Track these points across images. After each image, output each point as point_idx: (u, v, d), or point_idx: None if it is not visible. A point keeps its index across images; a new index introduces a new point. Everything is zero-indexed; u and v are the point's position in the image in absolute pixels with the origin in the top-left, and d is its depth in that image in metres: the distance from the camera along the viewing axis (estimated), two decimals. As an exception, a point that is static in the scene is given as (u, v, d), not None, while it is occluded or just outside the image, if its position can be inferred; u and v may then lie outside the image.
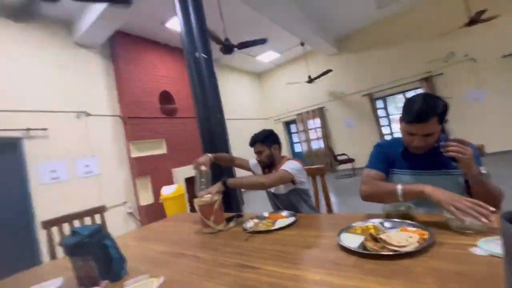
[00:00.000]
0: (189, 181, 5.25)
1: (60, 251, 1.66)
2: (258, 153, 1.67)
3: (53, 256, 1.65)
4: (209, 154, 1.65)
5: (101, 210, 1.97)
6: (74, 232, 1.00)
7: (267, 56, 7.36)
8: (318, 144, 7.77)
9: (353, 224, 0.98)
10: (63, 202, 3.64)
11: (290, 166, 1.50)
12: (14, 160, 3.40)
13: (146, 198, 4.62)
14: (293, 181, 1.50)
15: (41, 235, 3.38)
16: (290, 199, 1.58)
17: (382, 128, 7.04)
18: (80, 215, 1.82)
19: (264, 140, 1.65)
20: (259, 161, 1.69)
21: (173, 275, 0.91)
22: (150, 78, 5.01)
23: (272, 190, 1.65)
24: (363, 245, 0.80)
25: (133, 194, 4.58)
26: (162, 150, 5.04)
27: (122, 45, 4.66)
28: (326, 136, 7.54)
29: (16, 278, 1.22)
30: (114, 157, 4.44)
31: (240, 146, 7.03)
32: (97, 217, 1.90)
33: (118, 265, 0.98)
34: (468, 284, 0.55)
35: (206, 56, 2.59)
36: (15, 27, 3.56)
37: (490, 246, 0.65)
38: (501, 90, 5.25)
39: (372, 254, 0.74)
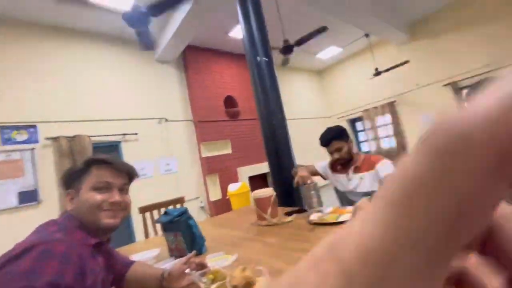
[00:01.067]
0: (252, 179, 5.50)
1: (151, 232, 2.00)
2: (337, 150, 1.57)
3: (146, 235, 2.00)
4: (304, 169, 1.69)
5: (181, 200, 2.29)
6: (166, 213, 1.22)
7: (328, 52, 7.12)
8: (389, 143, 7.09)
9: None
10: (150, 194, 4.31)
11: (391, 168, 1.47)
12: (116, 159, 4.21)
13: (215, 194, 5.06)
14: None
15: (136, 219, 4.09)
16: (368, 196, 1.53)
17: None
18: (166, 204, 2.16)
19: (341, 135, 1.58)
20: (338, 159, 1.60)
21: (244, 254, 1.02)
22: (217, 84, 5.48)
23: (357, 189, 1.55)
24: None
25: (204, 190, 5.07)
26: (227, 150, 5.43)
27: (193, 57, 5.25)
28: (398, 134, 6.82)
29: (117, 250, 1.55)
30: (188, 157, 5.01)
31: (301, 146, 7.02)
32: (178, 206, 2.22)
33: (200, 241, 1.15)
34: None
35: (267, 59, 2.72)
36: (110, 52, 4.43)
37: None
38: None
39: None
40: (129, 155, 4.29)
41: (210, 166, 5.01)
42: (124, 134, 4.27)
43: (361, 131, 7.98)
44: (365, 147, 7.94)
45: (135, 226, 4.12)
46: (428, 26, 6.16)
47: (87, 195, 0.71)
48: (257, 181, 5.66)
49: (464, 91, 6.00)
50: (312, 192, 1.42)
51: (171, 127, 4.90)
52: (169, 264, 0.98)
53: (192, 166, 5.02)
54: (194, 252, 0.90)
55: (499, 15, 5.19)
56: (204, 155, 5.05)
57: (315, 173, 1.81)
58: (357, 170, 1.56)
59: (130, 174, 0.81)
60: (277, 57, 3.66)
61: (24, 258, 0.51)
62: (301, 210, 1.57)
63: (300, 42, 3.74)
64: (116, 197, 0.73)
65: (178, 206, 2.22)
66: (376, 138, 7.37)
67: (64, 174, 0.77)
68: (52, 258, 0.53)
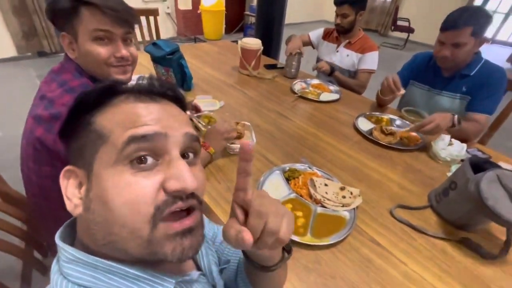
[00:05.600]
0: (230, -3, 4.80)
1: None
2: (342, 15, 1.51)
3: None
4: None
5: (155, 13, 2.08)
6: (155, 45, 1.23)
7: None
8: (385, -4, 6.31)
9: (373, 113, 1.22)
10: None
11: (375, 65, 1.56)
12: None
13: (185, 3, 4.43)
14: None
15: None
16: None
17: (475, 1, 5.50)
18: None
19: (356, 2, 1.47)
20: (338, 25, 1.56)
21: (230, 102, 1.24)
22: None
23: (338, 63, 1.65)
24: (371, 131, 1.08)
25: (172, -6, 4.34)
26: None
27: None
28: (400, -13, 6.00)
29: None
30: None
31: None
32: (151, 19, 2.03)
33: (189, 79, 1.29)
34: (422, 178, 0.88)
35: None
36: None
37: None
38: None
39: (370, 139, 1.04)
40: None
41: (182, -37, 4.00)
42: None
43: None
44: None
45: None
46: None
47: (89, 47, 0.65)
48: (233, 2, 4.98)
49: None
50: (294, 63, 1.53)
51: None
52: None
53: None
54: (193, 100, 1.07)
55: None
56: None
57: (307, 43, 1.79)
58: (348, 45, 1.61)
59: (131, 20, 0.69)
60: None
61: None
62: (277, 67, 1.71)
63: None
64: (122, 51, 0.68)
65: (151, 19, 2.04)
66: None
67: (48, 8, 0.65)
68: None
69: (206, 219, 0.50)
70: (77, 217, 0.29)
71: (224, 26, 4.70)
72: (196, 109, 1.08)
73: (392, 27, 5.55)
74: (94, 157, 0.27)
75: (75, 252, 0.27)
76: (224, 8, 4.34)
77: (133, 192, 0.25)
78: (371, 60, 1.55)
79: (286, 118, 1.16)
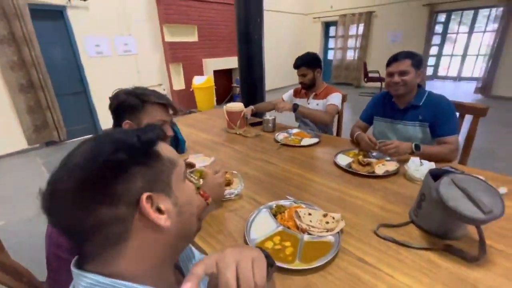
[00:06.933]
0: (218, 74, 5.49)
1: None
2: (302, 75, 1.80)
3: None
4: (251, 106, 1.93)
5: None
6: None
7: None
8: (352, 55, 7.28)
9: (349, 149, 1.34)
10: (108, 75, 4.13)
11: (338, 100, 1.76)
12: (61, 30, 3.65)
13: (179, 84, 5.05)
14: (337, 113, 1.81)
15: (96, 102, 4.07)
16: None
17: (432, 48, 6.33)
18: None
19: (310, 63, 1.77)
20: (301, 83, 1.85)
21: (220, 157, 1.37)
22: None
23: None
24: (350, 165, 1.18)
25: (167, 78, 4.98)
26: (193, 37, 5.04)
27: None
28: (364, 48, 6.96)
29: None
30: (149, 39, 4.56)
31: (274, 41, 6.74)
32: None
33: (182, 144, 1.44)
34: (401, 198, 0.94)
35: None
36: None
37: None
38: None
39: (352, 172, 1.12)
40: (79, 27, 3.74)
41: (174, 53, 4.74)
42: (69, -1, 3.55)
43: (333, 37, 7.83)
44: (330, 55, 8.03)
45: (98, 113, 4.18)
46: None
47: None
48: (221, 76, 5.68)
49: (439, 16, 6.04)
50: (270, 124, 1.74)
51: (129, 0, 4.16)
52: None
53: (154, 50, 4.68)
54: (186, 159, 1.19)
55: None
56: (167, 39, 4.65)
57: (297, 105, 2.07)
58: (316, 97, 1.86)
59: (175, 110, 0.95)
60: None
61: None
62: (260, 123, 1.91)
63: None
64: (170, 132, 0.91)
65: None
66: (344, 48, 7.44)
67: (116, 104, 0.86)
68: None
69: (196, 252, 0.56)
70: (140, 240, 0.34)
71: (215, 98, 5.24)
72: (190, 166, 1.19)
73: (365, 79, 6.20)
74: (170, 178, 0.38)
75: (98, 277, 0.32)
76: (213, 84, 4.93)
77: (195, 194, 0.44)
78: (335, 98, 1.75)
79: (271, 164, 1.27)
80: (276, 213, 0.86)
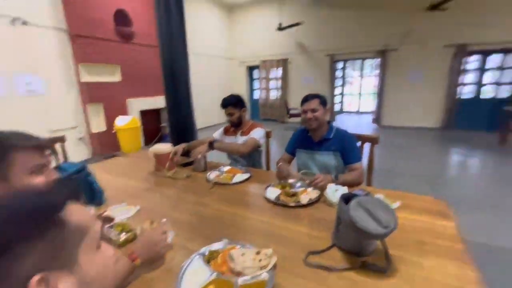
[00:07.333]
0: (145, 114, 5.24)
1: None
2: (229, 114, 1.92)
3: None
4: (183, 144, 1.86)
5: (61, 140, 2.09)
6: (59, 168, 1.22)
7: (240, -11, 6.77)
8: (275, 95, 8.12)
9: (277, 182, 1.43)
10: (2, 120, 3.44)
11: (259, 134, 1.86)
12: None
13: (98, 126, 4.57)
14: (258, 146, 1.89)
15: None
16: (250, 156, 1.94)
17: (336, 89, 7.64)
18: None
19: (236, 103, 1.91)
20: (229, 121, 1.96)
21: (146, 205, 1.25)
22: (103, -11, 4.35)
23: None
24: (278, 197, 1.25)
25: (83, 120, 4.46)
26: (116, 77, 4.78)
27: None
28: (284, 88, 7.88)
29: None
30: (61, 78, 4.10)
31: (202, 83, 6.98)
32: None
33: (99, 195, 1.27)
34: (324, 224, 1.03)
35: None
36: None
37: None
38: (433, 74, 6.08)
39: (281, 204, 1.19)
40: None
41: (92, 93, 4.35)
42: None
43: (257, 79, 8.63)
44: (256, 95, 8.76)
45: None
46: (327, -2, 6.79)
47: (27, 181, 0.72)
48: (149, 116, 5.44)
49: (338, 63, 7.41)
50: (201, 162, 1.72)
51: (32, 34, 3.74)
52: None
53: (68, 90, 4.20)
54: (91, 208, 1.05)
55: (373, 6, 6.37)
56: (84, 79, 4.27)
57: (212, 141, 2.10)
58: (243, 133, 1.96)
59: (51, 150, 0.83)
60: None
61: None
62: (190, 163, 1.86)
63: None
64: (53, 175, 0.78)
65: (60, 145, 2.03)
66: (267, 89, 8.23)
67: None
68: None
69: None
70: None
71: (142, 139, 4.91)
72: (108, 220, 1.05)
73: (288, 116, 6.92)
74: (77, 250, 0.31)
75: None
76: (139, 125, 4.65)
77: (112, 262, 0.38)
78: (255, 132, 1.87)
79: (204, 205, 1.23)
80: (209, 259, 0.82)
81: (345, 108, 9.30)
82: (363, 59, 7.60)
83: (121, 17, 4.68)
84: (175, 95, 2.76)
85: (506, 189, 2.91)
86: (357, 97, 9.07)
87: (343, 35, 6.83)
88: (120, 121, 4.40)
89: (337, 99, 8.11)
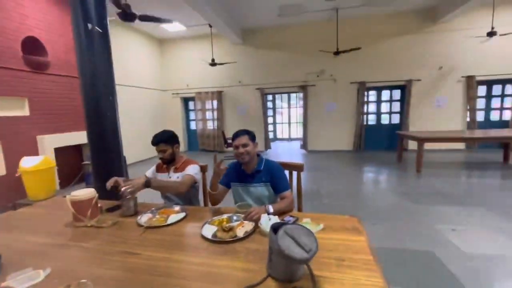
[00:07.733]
0: (62, 151, 4.57)
1: None
2: (161, 151, 1.86)
3: None
4: (115, 178, 1.66)
5: None
6: None
7: (172, 26, 6.92)
8: (212, 125, 8.21)
9: (214, 218, 1.43)
10: None
11: (194, 171, 1.83)
12: None
13: (-6, 169, 3.74)
14: (195, 182, 1.84)
15: None
16: (187, 193, 1.83)
17: (268, 118, 8.24)
18: None
19: (168, 140, 1.87)
20: (162, 158, 1.89)
21: (60, 265, 1.08)
22: (9, 15, 3.84)
23: None
24: (215, 234, 1.25)
25: (-29, 163, 3.59)
26: (22, 111, 4.10)
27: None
28: (220, 119, 8.06)
29: None
30: None
31: (133, 115, 6.57)
32: None
33: (-6, 261, 1.04)
34: (260, 255, 1.07)
35: (101, 31, 2.38)
36: None
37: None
38: (345, 105, 7.27)
39: (217, 240, 1.20)
40: None
41: (-13, 132, 3.59)
42: None
43: (193, 110, 8.62)
44: (193, 126, 8.69)
45: None
46: (255, 38, 7.60)
47: None
48: (67, 154, 4.76)
49: (268, 96, 8.07)
50: (131, 204, 1.57)
51: None
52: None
53: None
54: None
55: (295, 48, 7.37)
56: (-25, 114, 3.52)
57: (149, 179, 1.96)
58: (176, 170, 1.92)
59: None
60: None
61: None
62: (118, 207, 1.67)
63: (144, 18, 3.48)
64: None
65: None
66: (204, 120, 8.28)
67: None
68: None
69: None
70: None
71: (57, 181, 4.21)
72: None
73: (226, 145, 7.04)
74: None
75: None
76: (53, 164, 4.00)
77: None
78: (191, 169, 1.85)
79: (133, 255, 1.13)
80: (139, 316, 0.76)
81: (278, 135, 10.21)
82: (289, 93, 8.51)
83: (31, 45, 4.17)
84: (99, 132, 2.54)
85: (405, 198, 3.55)
86: (287, 125, 10.04)
87: (271, 72, 7.61)
88: (26, 162, 3.71)
89: (270, 127, 8.73)
